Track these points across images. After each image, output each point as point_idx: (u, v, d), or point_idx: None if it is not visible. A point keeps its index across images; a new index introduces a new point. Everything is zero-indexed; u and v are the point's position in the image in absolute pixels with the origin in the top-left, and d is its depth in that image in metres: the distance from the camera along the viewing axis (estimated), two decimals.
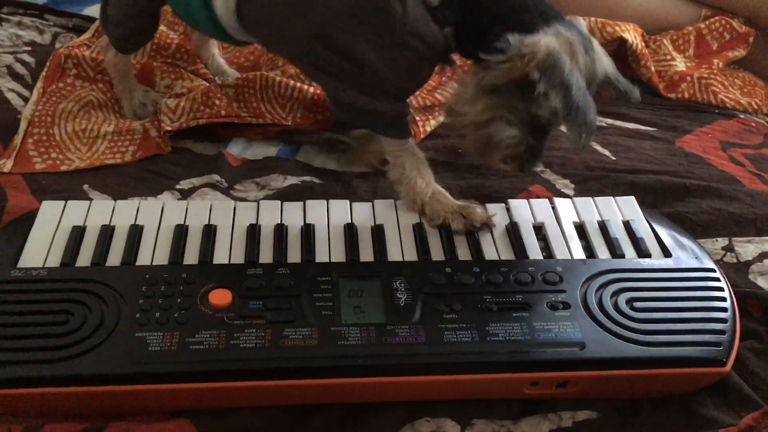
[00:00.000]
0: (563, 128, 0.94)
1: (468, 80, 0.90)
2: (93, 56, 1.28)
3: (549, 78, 0.81)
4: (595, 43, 0.88)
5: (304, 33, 0.87)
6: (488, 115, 0.88)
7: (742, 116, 1.36)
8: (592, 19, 1.42)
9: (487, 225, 0.91)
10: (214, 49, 1.30)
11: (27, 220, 0.89)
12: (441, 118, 1.23)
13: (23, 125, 1.15)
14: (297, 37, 0.88)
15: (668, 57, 1.46)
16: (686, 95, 1.40)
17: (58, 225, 0.88)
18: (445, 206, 0.92)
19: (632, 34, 1.42)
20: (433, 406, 0.77)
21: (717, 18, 1.52)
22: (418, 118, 1.20)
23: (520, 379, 0.76)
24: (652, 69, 1.42)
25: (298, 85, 1.24)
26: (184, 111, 1.15)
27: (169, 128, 1.13)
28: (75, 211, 0.90)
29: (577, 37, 0.85)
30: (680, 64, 1.45)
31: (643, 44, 1.44)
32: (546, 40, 0.82)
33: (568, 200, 0.98)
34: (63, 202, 0.91)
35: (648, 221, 0.95)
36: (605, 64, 0.90)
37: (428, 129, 1.21)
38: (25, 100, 1.22)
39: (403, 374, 0.75)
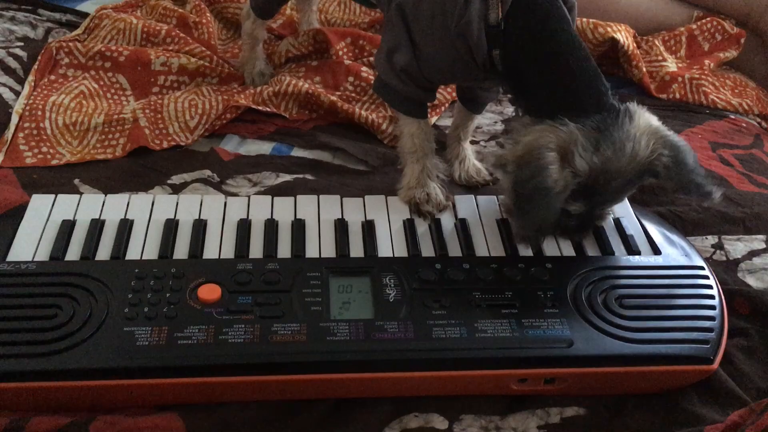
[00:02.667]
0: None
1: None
2: (85, 45, 1.29)
3: (518, 173, 0.81)
4: (641, 137, 0.81)
5: (392, 2, 0.95)
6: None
7: (732, 117, 1.37)
8: (584, 19, 1.42)
9: (430, 214, 0.94)
10: (315, 5, 1.45)
11: (17, 214, 0.89)
12: (433, 120, 1.24)
13: (14, 119, 1.15)
14: (388, 4, 0.97)
15: (660, 57, 1.46)
16: (677, 96, 1.41)
17: (48, 219, 0.88)
18: (421, 183, 0.96)
19: (624, 35, 1.43)
20: (422, 401, 0.77)
21: (709, 19, 1.53)
22: None
23: (508, 376, 0.76)
24: (644, 69, 1.42)
25: (293, 81, 1.24)
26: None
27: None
28: (65, 205, 0.90)
29: (585, 133, 0.79)
30: (672, 65, 1.46)
31: (635, 45, 1.45)
32: (529, 138, 0.81)
33: None
34: (53, 195, 0.91)
35: (638, 218, 0.95)
36: (615, 164, 0.81)
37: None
38: (17, 94, 1.21)
39: (391, 370, 0.75)
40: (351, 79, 1.30)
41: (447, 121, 1.24)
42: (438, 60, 0.92)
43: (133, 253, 0.84)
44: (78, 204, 0.90)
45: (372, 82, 1.29)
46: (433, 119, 1.25)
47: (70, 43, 1.29)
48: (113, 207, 0.90)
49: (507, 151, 0.85)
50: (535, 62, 0.86)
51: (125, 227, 0.87)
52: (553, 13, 0.85)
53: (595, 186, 0.81)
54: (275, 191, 1.05)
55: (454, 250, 0.88)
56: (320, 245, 0.87)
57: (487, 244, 0.89)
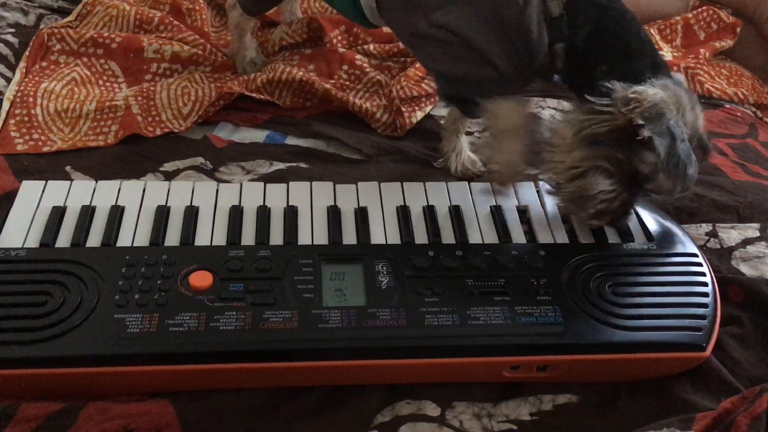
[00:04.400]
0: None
1: (565, 124, 0.87)
2: (77, 31, 1.29)
3: (655, 125, 0.78)
4: (697, 102, 0.87)
5: (423, 14, 0.93)
6: (586, 164, 0.84)
7: (727, 106, 1.37)
8: None
9: None
10: None
11: (7, 201, 0.88)
12: (428, 110, 1.23)
13: (5, 106, 1.14)
14: (418, 18, 0.94)
15: (655, 47, 1.46)
16: None
17: (38, 205, 0.87)
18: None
19: None
20: (414, 388, 0.77)
21: (705, 8, 1.53)
22: (404, 109, 1.20)
23: (501, 363, 0.76)
24: None
25: (287, 68, 1.23)
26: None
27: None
28: (55, 192, 0.89)
29: (684, 93, 0.83)
30: (667, 54, 1.45)
31: None
32: (654, 90, 0.80)
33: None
34: (43, 182, 0.90)
35: None
36: (701, 123, 0.87)
37: (413, 120, 1.21)
38: (8, 80, 1.20)
39: (383, 357, 0.75)
40: (345, 67, 1.29)
41: (442, 111, 1.24)
42: (504, 52, 0.91)
43: (124, 240, 0.83)
44: (68, 190, 0.89)
45: (366, 70, 1.28)
46: (428, 108, 1.24)
47: (62, 30, 1.28)
48: (104, 193, 0.89)
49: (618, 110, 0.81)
50: (614, 37, 0.86)
51: (116, 214, 0.86)
52: None
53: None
54: (269, 179, 1.04)
55: (448, 237, 0.88)
56: (313, 232, 0.87)
57: (480, 232, 0.89)
